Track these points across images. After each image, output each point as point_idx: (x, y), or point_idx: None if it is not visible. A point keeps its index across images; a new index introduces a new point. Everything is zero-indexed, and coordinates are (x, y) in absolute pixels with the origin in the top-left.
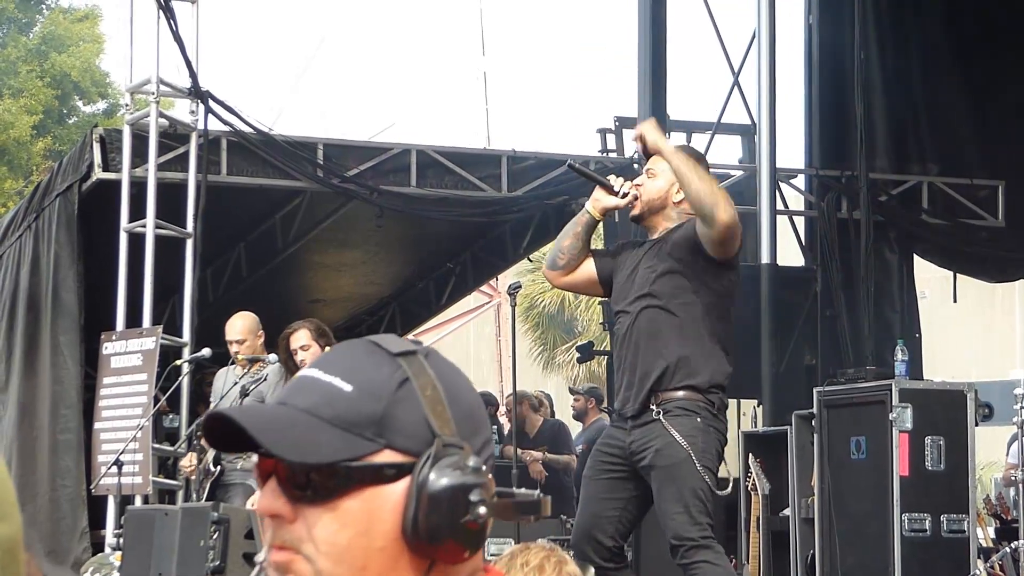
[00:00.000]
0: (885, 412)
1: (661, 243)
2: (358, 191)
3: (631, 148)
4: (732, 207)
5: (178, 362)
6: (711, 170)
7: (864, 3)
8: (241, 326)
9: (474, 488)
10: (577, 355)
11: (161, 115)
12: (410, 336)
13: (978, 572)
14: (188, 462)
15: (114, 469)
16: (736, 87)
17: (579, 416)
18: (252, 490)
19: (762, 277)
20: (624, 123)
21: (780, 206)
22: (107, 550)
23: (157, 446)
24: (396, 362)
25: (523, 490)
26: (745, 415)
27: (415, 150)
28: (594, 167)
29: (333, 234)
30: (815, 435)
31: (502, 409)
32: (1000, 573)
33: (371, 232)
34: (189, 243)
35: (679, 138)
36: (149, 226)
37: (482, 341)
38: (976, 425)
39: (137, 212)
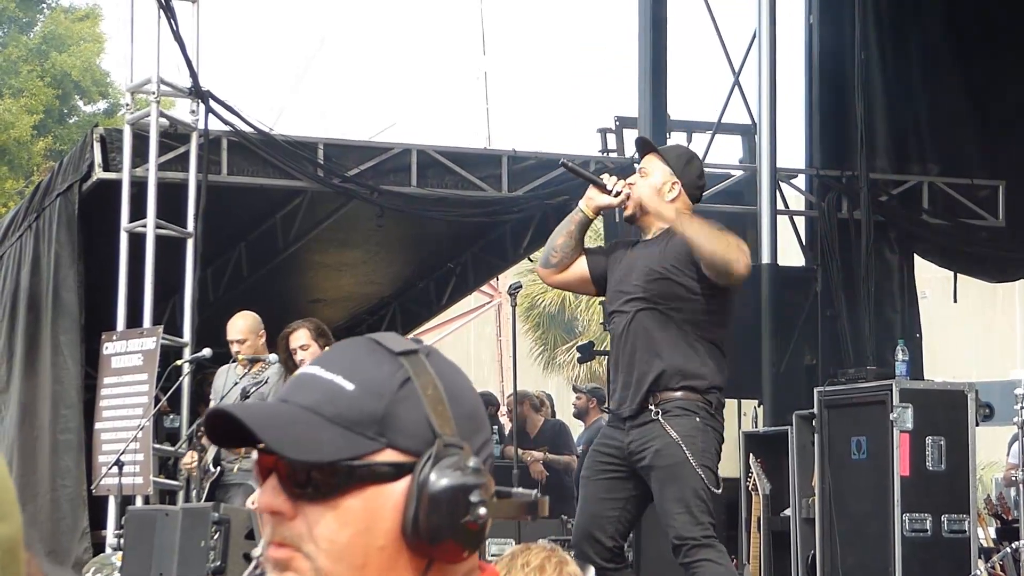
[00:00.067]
0: (886, 412)
1: (657, 245)
2: (358, 191)
3: (632, 148)
4: (746, 255)
5: (179, 362)
6: (711, 170)
7: (864, 3)
8: (243, 326)
9: (474, 488)
10: (578, 355)
11: (162, 115)
12: (411, 336)
13: (979, 572)
14: (189, 459)
15: (115, 469)
16: (736, 87)
17: (580, 415)
18: (252, 490)
19: (762, 277)
20: (624, 123)
21: (780, 206)
22: (108, 550)
23: (158, 446)
24: (397, 361)
25: (520, 490)
26: (746, 415)
27: (415, 150)
28: (594, 167)
29: (333, 234)
30: (816, 435)
31: (503, 409)
32: (1001, 573)
33: (371, 232)
34: (189, 243)
35: (679, 138)
36: (150, 226)
37: (483, 341)
38: (977, 425)
39: (137, 212)
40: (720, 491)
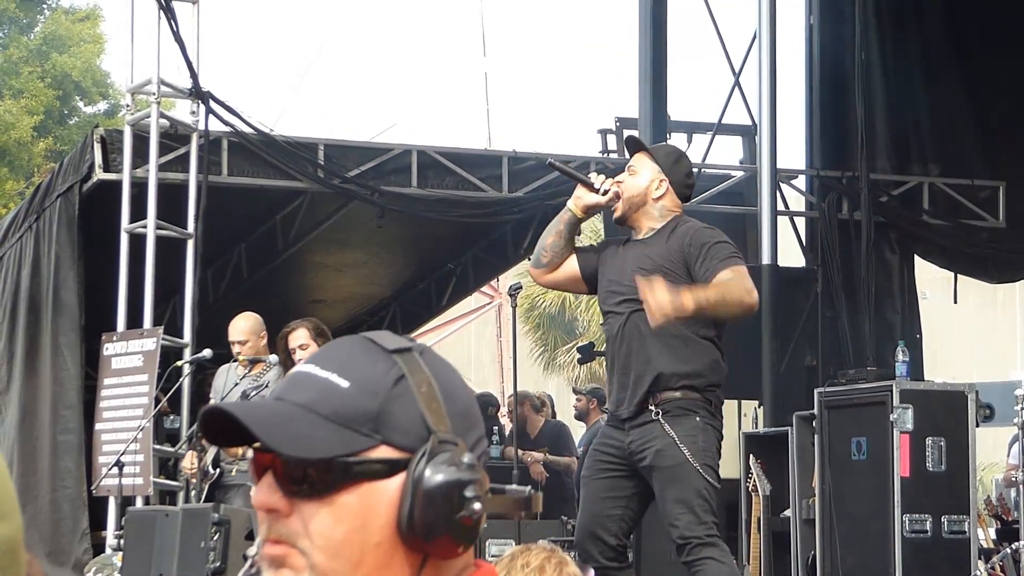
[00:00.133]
0: (886, 413)
1: (650, 245)
2: (359, 191)
3: None
4: (751, 292)
5: (179, 363)
6: (711, 171)
7: (865, 3)
8: (244, 327)
9: (469, 484)
10: (578, 356)
11: (162, 115)
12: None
13: (979, 573)
14: (189, 462)
15: (115, 470)
16: (737, 87)
17: (581, 416)
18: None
19: (763, 278)
20: (625, 124)
21: (781, 207)
22: (108, 551)
23: (158, 447)
24: (392, 359)
25: (514, 486)
26: (746, 416)
27: (416, 151)
28: (595, 167)
29: (334, 235)
30: (816, 436)
31: (503, 410)
32: (1001, 574)
33: (372, 233)
34: (190, 244)
35: (679, 139)
36: (150, 227)
37: (483, 342)
38: (977, 426)
39: (138, 213)
40: (720, 486)
